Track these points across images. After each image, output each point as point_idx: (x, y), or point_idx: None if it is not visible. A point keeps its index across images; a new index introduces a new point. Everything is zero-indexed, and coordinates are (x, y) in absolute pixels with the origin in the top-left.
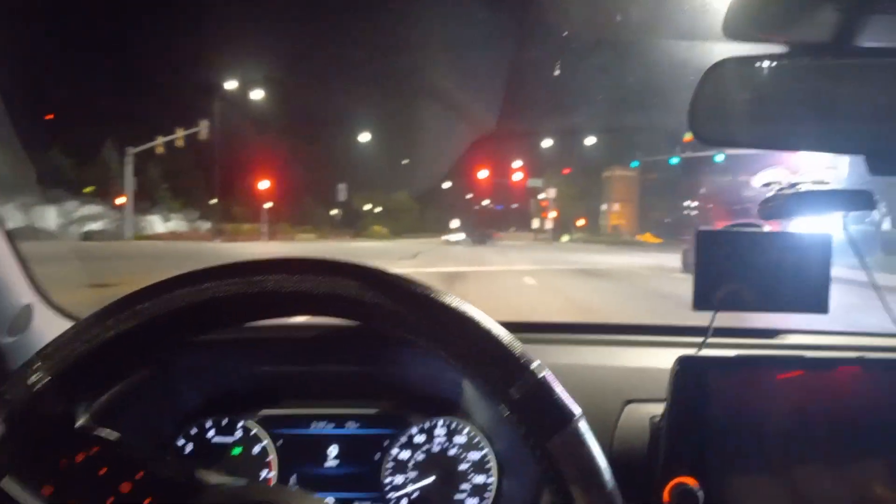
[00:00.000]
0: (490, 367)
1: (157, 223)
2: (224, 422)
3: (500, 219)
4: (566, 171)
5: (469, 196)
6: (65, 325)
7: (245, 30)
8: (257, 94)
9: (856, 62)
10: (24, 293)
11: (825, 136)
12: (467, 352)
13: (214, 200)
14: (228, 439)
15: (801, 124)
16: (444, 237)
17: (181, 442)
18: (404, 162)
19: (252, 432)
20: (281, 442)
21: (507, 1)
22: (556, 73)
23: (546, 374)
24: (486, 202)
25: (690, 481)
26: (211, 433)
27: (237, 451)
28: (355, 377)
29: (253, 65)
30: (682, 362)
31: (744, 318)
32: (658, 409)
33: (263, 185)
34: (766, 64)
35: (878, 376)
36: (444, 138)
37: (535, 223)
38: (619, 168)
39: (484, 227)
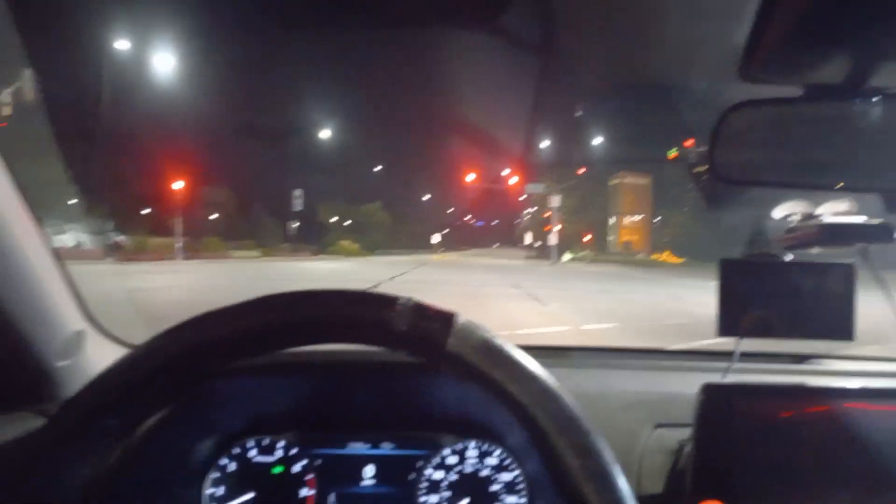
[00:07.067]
0: (370, 317)
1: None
2: (265, 442)
3: (480, 235)
4: (580, 171)
5: (451, 210)
6: (116, 350)
7: None
8: (166, 63)
9: (871, 103)
10: (74, 319)
11: (842, 175)
12: (349, 315)
13: (147, 210)
14: (269, 458)
15: (819, 164)
16: None
17: (224, 461)
18: (377, 169)
19: (292, 452)
20: (319, 461)
21: None
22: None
23: (413, 298)
24: (468, 217)
25: None
26: (253, 452)
27: (278, 469)
28: (389, 400)
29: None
30: (708, 390)
31: (769, 343)
32: (686, 433)
33: (177, 185)
34: (781, 106)
35: None
36: (424, 141)
37: (528, 238)
38: (629, 174)
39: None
